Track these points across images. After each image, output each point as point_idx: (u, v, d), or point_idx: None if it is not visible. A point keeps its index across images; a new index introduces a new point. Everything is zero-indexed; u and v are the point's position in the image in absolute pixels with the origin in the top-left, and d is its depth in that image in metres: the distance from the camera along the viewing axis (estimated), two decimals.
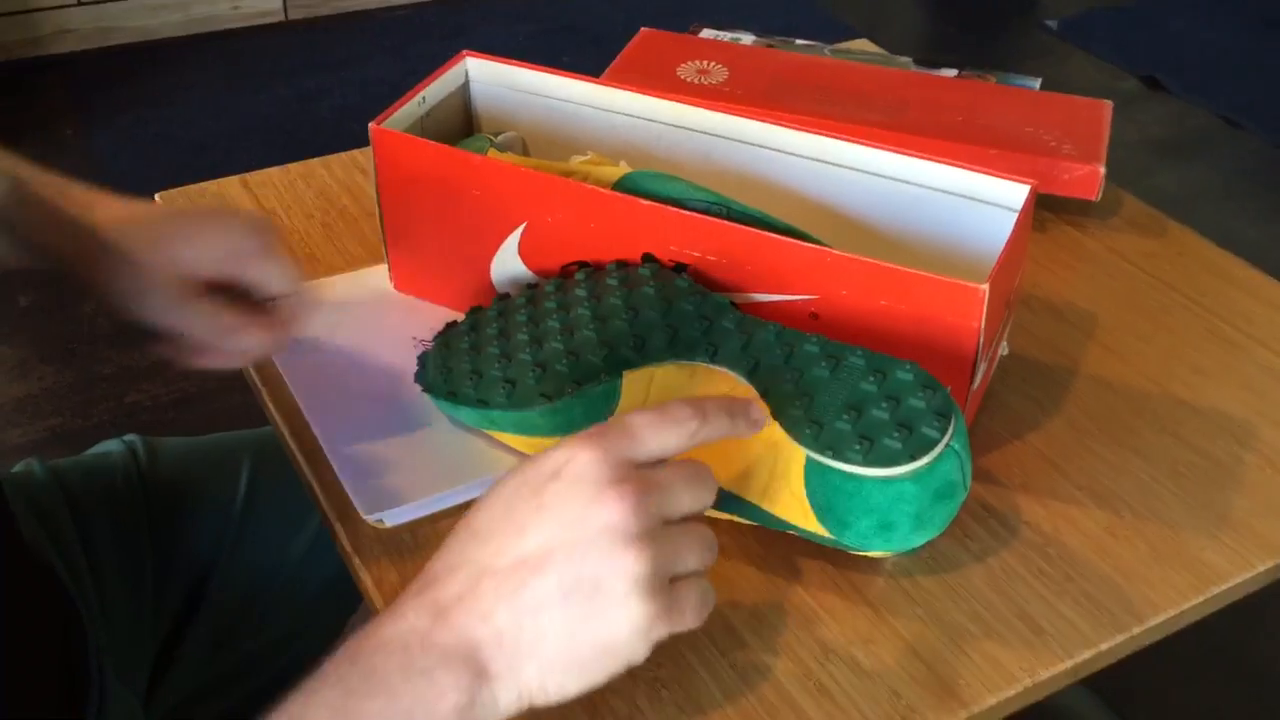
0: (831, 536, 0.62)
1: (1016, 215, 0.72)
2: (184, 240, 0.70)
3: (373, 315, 0.82)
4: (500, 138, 0.82)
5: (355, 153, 0.99)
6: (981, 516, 0.69)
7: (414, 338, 0.77)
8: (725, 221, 0.70)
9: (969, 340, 0.66)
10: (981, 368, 0.69)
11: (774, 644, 0.62)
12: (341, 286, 0.84)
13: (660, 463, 0.54)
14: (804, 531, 0.63)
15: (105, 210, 0.71)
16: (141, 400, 1.86)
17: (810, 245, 0.68)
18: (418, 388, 0.73)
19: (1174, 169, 2.56)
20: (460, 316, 0.75)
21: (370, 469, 0.70)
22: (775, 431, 0.62)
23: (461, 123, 0.86)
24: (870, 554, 0.64)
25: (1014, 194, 0.73)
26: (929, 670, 0.61)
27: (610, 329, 0.68)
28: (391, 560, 0.66)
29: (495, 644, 0.50)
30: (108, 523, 0.83)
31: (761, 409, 0.60)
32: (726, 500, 0.64)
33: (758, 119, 0.79)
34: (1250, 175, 2.57)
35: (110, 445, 0.88)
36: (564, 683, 0.51)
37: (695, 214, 0.70)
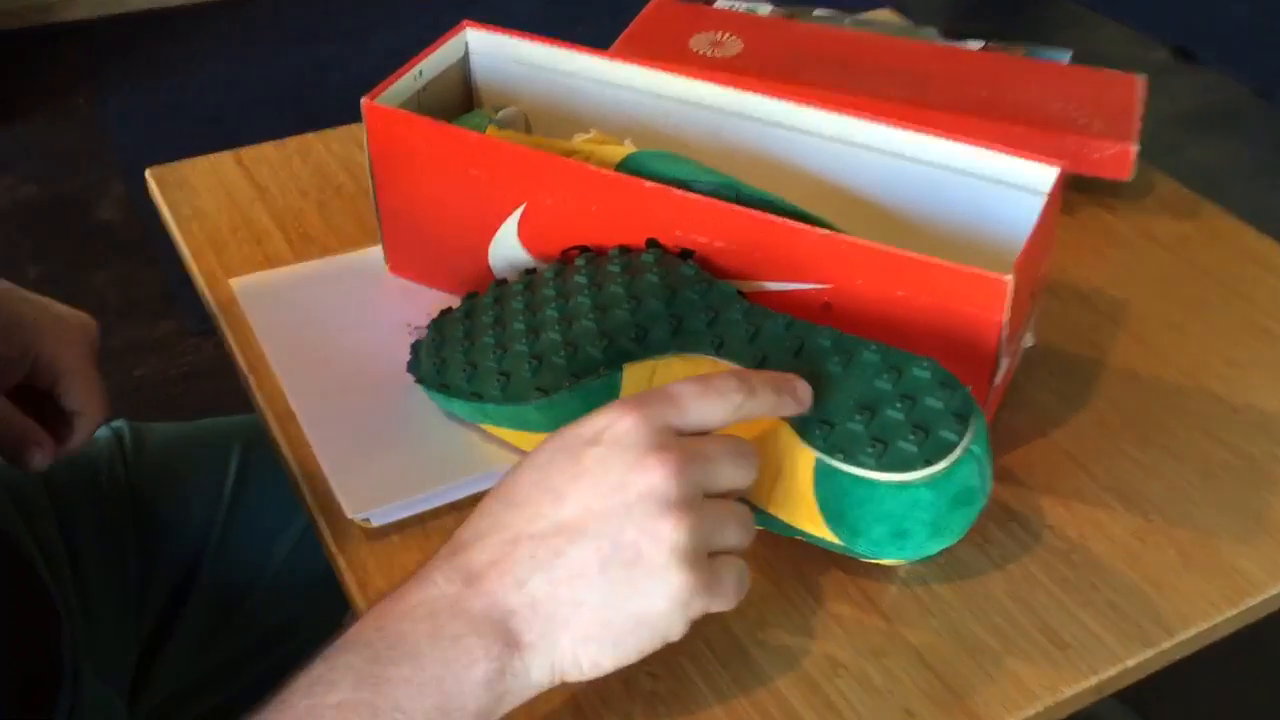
0: (842, 544, 0.58)
1: (1044, 199, 0.68)
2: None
3: (366, 299, 0.78)
4: (501, 114, 0.78)
5: (354, 127, 0.95)
6: (1002, 520, 0.65)
7: (408, 324, 0.74)
8: (734, 205, 0.66)
9: (991, 334, 0.62)
10: (1004, 362, 0.65)
11: (779, 656, 0.59)
12: (334, 268, 0.80)
13: (702, 435, 0.52)
14: (812, 537, 0.59)
15: None
16: (149, 375, 1.84)
17: (824, 231, 0.64)
18: (410, 378, 0.70)
19: (1206, 143, 2.50)
20: (456, 302, 0.72)
21: (357, 464, 0.66)
22: (783, 431, 0.58)
23: (461, 97, 0.82)
24: (883, 561, 0.61)
25: (1042, 176, 0.69)
26: (944, 686, 0.57)
27: (611, 319, 0.64)
28: (378, 562, 0.63)
29: (529, 612, 0.48)
30: (91, 512, 0.80)
31: (806, 389, 0.57)
32: None
33: (770, 95, 0.75)
34: None
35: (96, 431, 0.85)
36: (598, 656, 0.49)
37: (702, 197, 0.66)
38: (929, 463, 0.56)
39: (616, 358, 0.63)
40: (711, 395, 0.52)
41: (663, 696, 0.57)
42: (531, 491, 0.51)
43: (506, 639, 0.48)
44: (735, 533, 0.52)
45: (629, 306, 0.64)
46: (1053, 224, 0.68)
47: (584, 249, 0.70)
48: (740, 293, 0.65)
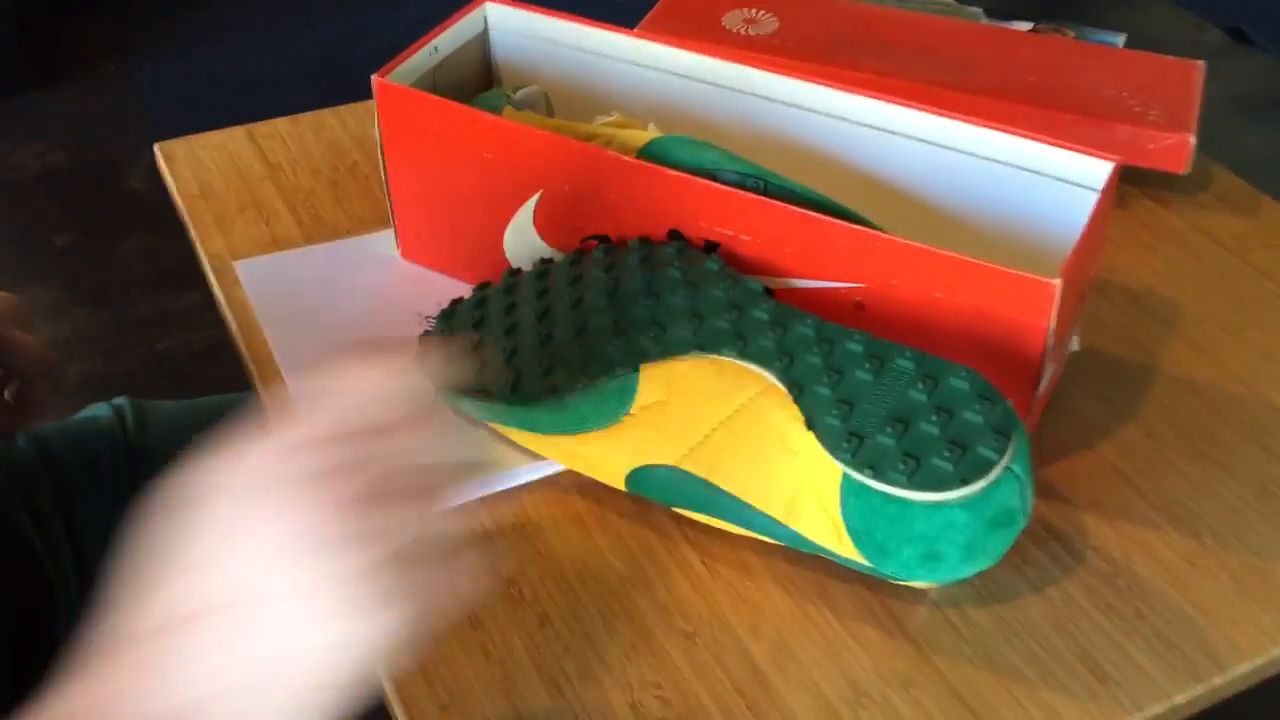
0: (869, 564, 0.54)
1: (1097, 196, 0.63)
2: None
3: (376, 285, 0.75)
4: (520, 93, 0.75)
5: (370, 103, 0.92)
6: (1042, 538, 0.61)
7: (419, 314, 0.70)
8: (762, 197, 0.62)
9: (1036, 341, 0.58)
10: (1049, 369, 0.61)
11: (799, 682, 0.55)
12: (343, 252, 0.77)
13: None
14: (837, 557, 0.55)
15: None
16: (174, 347, 1.82)
17: (857, 227, 0.60)
18: None
19: (1260, 129, 2.43)
20: (468, 291, 0.68)
21: None
22: (809, 442, 0.54)
23: (479, 75, 0.79)
24: (913, 584, 0.57)
25: (1095, 171, 0.64)
26: (975, 719, 0.53)
27: (628, 315, 0.60)
28: None
29: None
30: (92, 494, 0.78)
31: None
32: (746, 515, 0.57)
33: (804, 78, 0.71)
34: None
35: (98, 409, 0.83)
36: None
37: (729, 187, 0.63)
38: (965, 482, 0.52)
39: (633, 357, 0.59)
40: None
41: None
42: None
43: None
44: None
45: (648, 302, 0.60)
46: (1105, 222, 0.64)
47: (603, 239, 0.67)
48: (767, 290, 0.61)
